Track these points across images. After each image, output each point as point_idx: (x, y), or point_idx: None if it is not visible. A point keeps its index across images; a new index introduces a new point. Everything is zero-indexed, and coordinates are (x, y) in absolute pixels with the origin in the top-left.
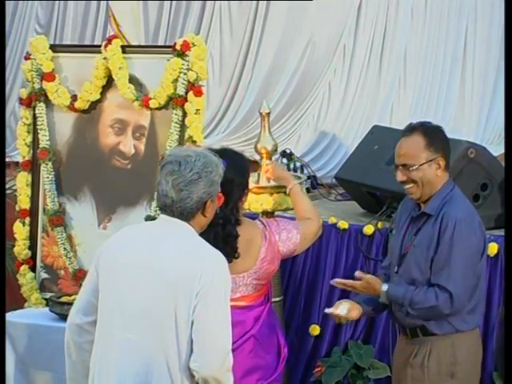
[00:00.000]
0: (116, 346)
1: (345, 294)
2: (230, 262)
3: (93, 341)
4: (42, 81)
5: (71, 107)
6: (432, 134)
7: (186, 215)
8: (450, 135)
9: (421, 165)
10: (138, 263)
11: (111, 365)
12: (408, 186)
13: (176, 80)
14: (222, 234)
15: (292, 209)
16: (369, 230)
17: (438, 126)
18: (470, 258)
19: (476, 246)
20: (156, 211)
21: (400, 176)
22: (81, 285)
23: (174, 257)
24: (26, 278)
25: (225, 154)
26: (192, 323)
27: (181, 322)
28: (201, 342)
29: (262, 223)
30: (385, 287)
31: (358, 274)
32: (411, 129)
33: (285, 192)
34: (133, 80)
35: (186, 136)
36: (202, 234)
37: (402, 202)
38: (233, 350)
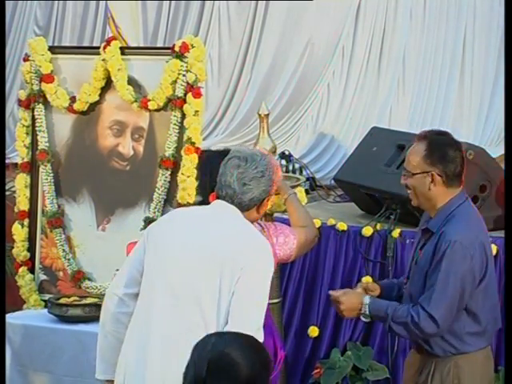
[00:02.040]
0: (158, 318)
1: None
2: None
3: (128, 313)
4: (40, 82)
5: (70, 109)
6: (434, 147)
7: (243, 207)
8: None
9: (414, 174)
10: (189, 239)
11: (152, 331)
12: (408, 191)
13: (175, 81)
14: None
15: None
16: (368, 231)
17: (448, 141)
18: (459, 283)
19: (469, 270)
20: (155, 212)
21: (402, 179)
22: (80, 286)
23: (224, 234)
24: (24, 280)
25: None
26: (232, 295)
27: (223, 294)
28: (235, 312)
29: (260, 225)
30: (367, 300)
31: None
32: (422, 135)
33: None
34: (131, 81)
35: (185, 137)
36: None
37: (424, 213)
38: None
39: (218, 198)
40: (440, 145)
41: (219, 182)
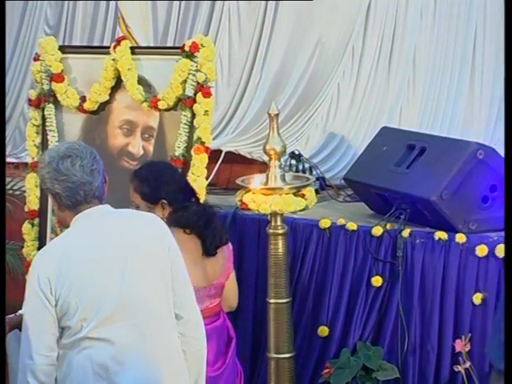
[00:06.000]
0: (120, 339)
1: (353, 296)
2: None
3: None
4: (51, 82)
5: (80, 108)
6: None
7: (98, 196)
8: (459, 137)
9: None
10: (108, 259)
11: (125, 353)
12: None
13: (185, 81)
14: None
15: (301, 210)
16: (377, 231)
17: None
18: None
19: None
20: None
21: None
22: None
23: (135, 231)
24: None
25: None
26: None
27: (168, 282)
28: (186, 300)
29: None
30: None
31: None
32: None
33: (294, 193)
34: (141, 81)
35: (195, 137)
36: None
37: None
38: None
39: (74, 206)
40: None
41: (64, 191)
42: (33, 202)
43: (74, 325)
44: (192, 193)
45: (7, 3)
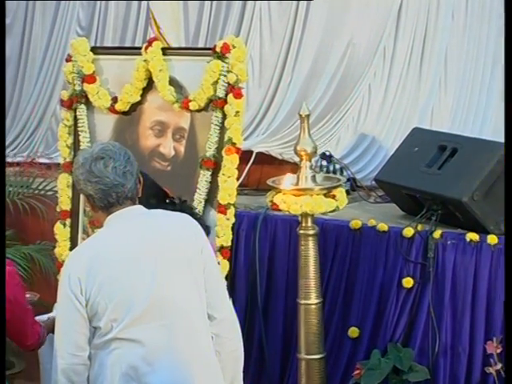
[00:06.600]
0: (151, 340)
1: (384, 297)
2: None
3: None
4: (82, 83)
5: (112, 109)
6: None
7: (131, 197)
8: (490, 137)
9: None
10: (139, 260)
11: (157, 356)
12: None
13: (216, 82)
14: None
15: (332, 211)
16: (408, 232)
17: None
18: None
19: None
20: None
21: None
22: None
23: (167, 232)
24: None
25: None
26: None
27: (200, 283)
28: (219, 300)
29: None
30: None
31: None
32: None
33: (325, 194)
34: (173, 82)
35: (226, 138)
36: None
37: None
38: None
39: (106, 208)
40: None
41: (96, 193)
42: (65, 203)
43: (103, 325)
44: (166, 196)
45: (38, 4)
